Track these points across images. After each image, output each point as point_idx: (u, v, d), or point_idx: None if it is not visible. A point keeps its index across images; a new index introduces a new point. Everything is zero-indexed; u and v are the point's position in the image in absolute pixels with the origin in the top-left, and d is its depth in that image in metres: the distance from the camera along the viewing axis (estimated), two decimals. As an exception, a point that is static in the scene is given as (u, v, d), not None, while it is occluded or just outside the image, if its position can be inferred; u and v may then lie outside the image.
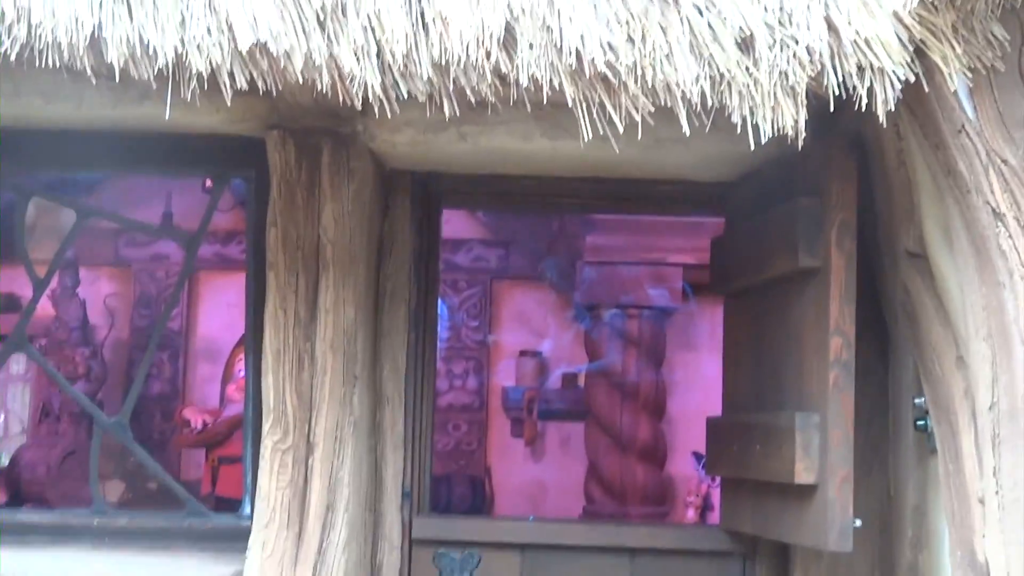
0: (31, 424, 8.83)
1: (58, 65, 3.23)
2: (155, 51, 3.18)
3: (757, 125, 3.23)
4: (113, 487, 7.72)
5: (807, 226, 3.67)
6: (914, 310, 3.72)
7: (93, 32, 3.19)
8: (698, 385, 8.31)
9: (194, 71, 3.19)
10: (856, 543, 3.61)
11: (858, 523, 3.56)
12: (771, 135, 3.24)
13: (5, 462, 8.37)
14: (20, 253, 4.48)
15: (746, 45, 3.22)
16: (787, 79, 3.21)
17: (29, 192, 4.57)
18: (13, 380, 9.35)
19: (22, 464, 7.89)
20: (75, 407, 7.77)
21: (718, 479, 4.87)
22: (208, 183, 7.13)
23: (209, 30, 3.19)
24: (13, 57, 3.21)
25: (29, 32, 3.20)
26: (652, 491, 8.00)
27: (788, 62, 3.21)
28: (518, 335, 9.21)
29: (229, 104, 3.53)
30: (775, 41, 3.21)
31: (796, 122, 3.24)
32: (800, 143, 3.27)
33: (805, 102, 3.25)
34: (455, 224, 8.85)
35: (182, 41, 3.19)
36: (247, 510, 4.22)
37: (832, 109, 3.29)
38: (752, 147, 3.24)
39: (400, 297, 4.36)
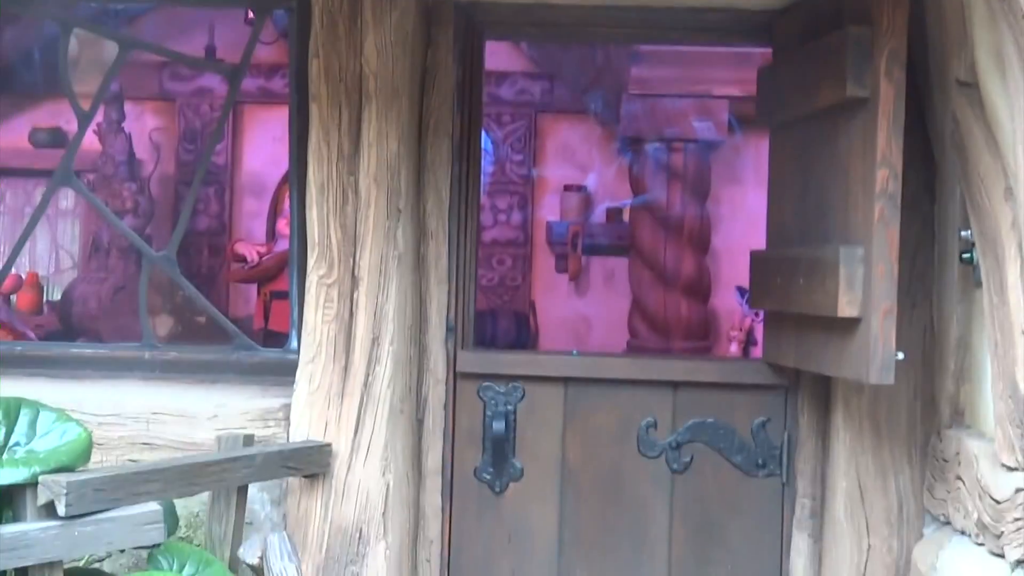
0: (81, 259, 8.93)
1: None
2: None
3: (807, -50, 3.15)
4: (163, 321, 7.84)
5: (856, 55, 3.59)
6: (963, 141, 3.66)
7: None
8: (743, 219, 8.27)
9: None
10: (898, 376, 3.61)
11: (900, 356, 3.56)
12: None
13: (57, 296, 8.49)
14: (64, 86, 4.47)
15: None
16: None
17: (71, 24, 4.54)
18: (62, 215, 9.43)
19: (74, 298, 8.00)
20: (124, 242, 7.84)
21: (761, 313, 4.87)
22: (250, 15, 7.08)
23: None
24: None
25: None
26: (696, 325, 8.01)
27: None
28: (562, 169, 9.17)
29: (268, -68, 3.50)
30: None
31: (847, -53, 3.15)
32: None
33: (857, -74, 3.17)
34: (499, 57, 8.75)
35: None
36: (294, 344, 4.27)
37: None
38: (801, -26, 3.16)
39: (443, 130, 4.33)
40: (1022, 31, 3.16)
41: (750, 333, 7.87)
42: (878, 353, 3.52)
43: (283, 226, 7.59)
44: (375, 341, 3.99)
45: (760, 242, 4.46)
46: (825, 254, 3.70)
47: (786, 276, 4.01)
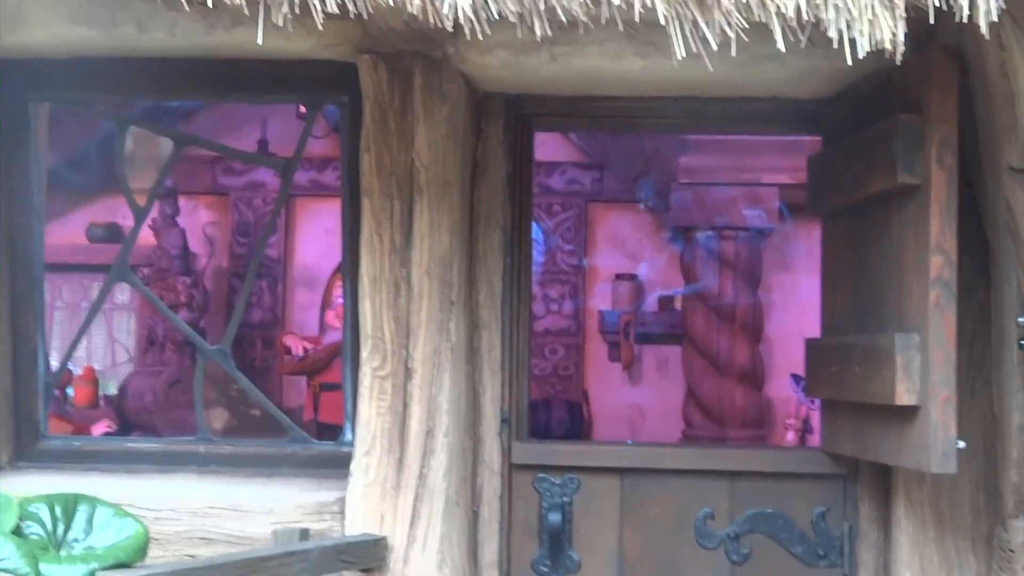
0: (137, 353, 9.01)
1: (150, -7, 3.25)
2: (247, -25, 3.17)
3: (854, 39, 3.15)
4: (218, 414, 7.87)
5: (906, 142, 3.58)
6: (1017, 226, 3.63)
7: (184, -42, 3.19)
8: (796, 306, 8.25)
9: (285, -5, 3.18)
10: (960, 465, 3.55)
11: (961, 444, 3.51)
12: (869, 50, 3.16)
13: (113, 390, 8.55)
14: (120, 182, 4.54)
15: (843, -43, 3.13)
16: (885, -9, 3.12)
17: (127, 122, 4.62)
18: (119, 309, 9.54)
19: (130, 392, 8.06)
20: (179, 336, 7.91)
21: (817, 401, 4.83)
22: (302, 109, 7.18)
23: (299, -45, 3.17)
24: (106, -14, 3.22)
25: (121, -39, 3.21)
26: (751, 414, 7.96)
27: (888, -27, 3.12)
28: (613, 258, 9.19)
29: (321, 28, 3.53)
30: (875, -48, 3.12)
31: (894, 36, 3.15)
32: (899, 57, 3.19)
33: (904, 15, 3.17)
34: (549, 147, 8.82)
35: (272, -34, 3.17)
36: (348, 436, 4.27)
37: (932, 21, 3.20)
38: (849, 62, 3.16)
39: (494, 221, 4.35)
40: (1075, 116, 3.15)
41: (807, 421, 7.81)
42: (938, 442, 3.47)
43: (332, 318, 7.65)
44: (429, 433, 3.98)
45: (814, 329, 4.43)
46: (881, 342, 3.67)
47: (841, 364, 3.98)
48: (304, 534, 3.82)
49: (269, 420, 4.60)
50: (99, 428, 7.47)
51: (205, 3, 3.28)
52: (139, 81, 4.34)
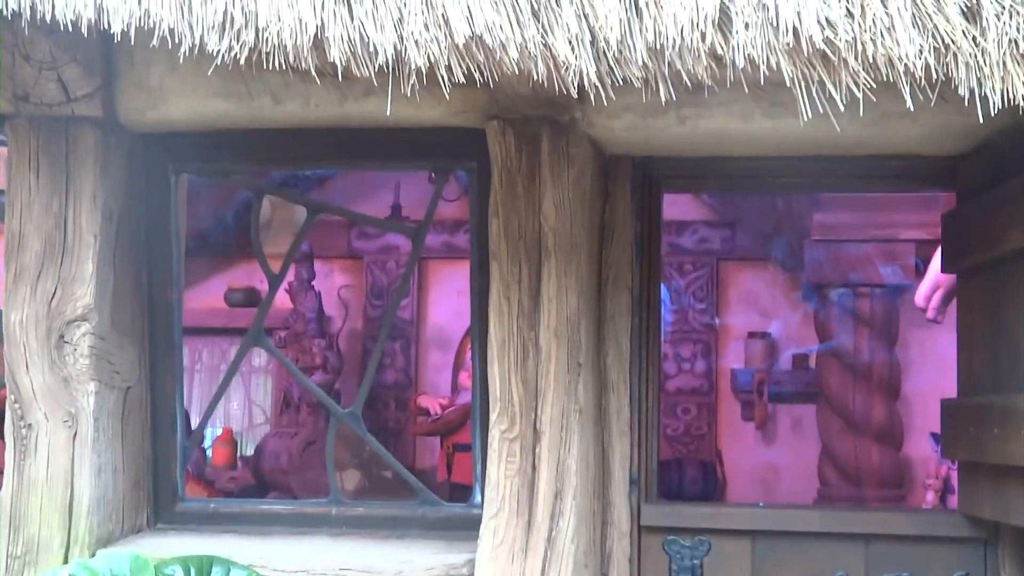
0: (273, 414, 9.16)
1: (284, 66, 3.33)
2: (375, 48, 3.24)
3: (986, 96, 3.11)
4: (350, 476, 7.96)
5: (1042, 198, 3.53)
6: None
7: (316, 33, 3.27)
8: (934, 363, 8.08)
9: (413, 66, 3.23)
10: (1104, 528, 3.46)
11: (1105, 508, 3.41)
12: (1001, 106, 3.11)
13: (250, 451, 8.70)
14: (256, 250, 4.64)
15: (972, 14, 3.10)
16: (1017, 47, 3.07)
17: (262, 190, 4.73)
18: (256, 371, 9.73)
19: (266, 453, 8.20)
20: (314, 398, 8.02)
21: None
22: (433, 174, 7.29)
23: (427, 26, 3.23)
24: (243, 60, 3.31)
25: (256, 36, 3.30)
26: (888, 474, 7.81)
27: (1019, 28, 3.08)
28: (746, 316, 9.12)
29: (448, 97, 3.61)
30: (1004, 8, 3.09)
31: (1028, 91, 3.11)
32: (1031, 111, 3.14)
33: (1036, 69, 3.12)
34: (680, 206, 8.82)
35: (400, 38, 3.24)
36: (477, 498, 4.29)
37: (1067, 75, 3.15)
38: (981, 120, 3.12)
39: (623, 283, 4.35)
40: None
41: (947, 481, 7.63)
42: (1080, 505, 3.38)
43: (465, 379, 7.70)
44: (558, 495, 3.98)
45: (952, 387, 4.34)
46: (1019, 402, 3.59)
47: (979, 425, 3.90)
48: (434, 597, 3.85)
49: (401, 482, 4.65)
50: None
51: (336, 76, 3.37)
52: (274, 151, 4.45)
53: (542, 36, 3.20)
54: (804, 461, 8.37)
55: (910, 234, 7.82)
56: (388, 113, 3.51)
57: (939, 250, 5.14)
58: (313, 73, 3.34)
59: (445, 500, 4.55)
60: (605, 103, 3.29)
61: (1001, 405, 3.75)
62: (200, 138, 4.40)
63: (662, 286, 4.73)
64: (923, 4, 3.10)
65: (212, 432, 8.59)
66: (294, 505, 4.73)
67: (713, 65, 3.20)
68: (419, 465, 8.77)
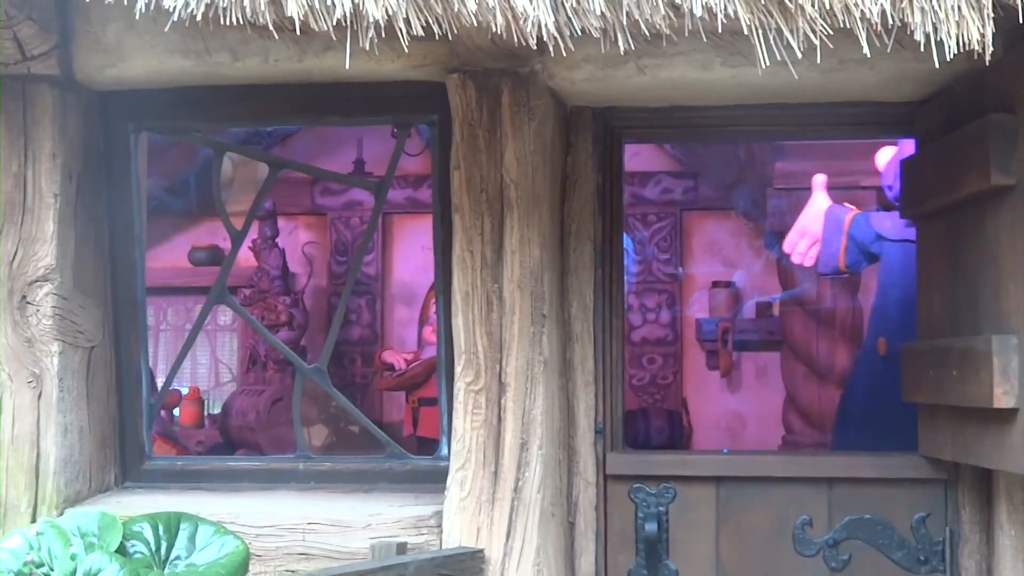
0: (240, 372, 9.16)
1: (242, 22, 3.31)
2: (333, 1, 3.22)
3: (942, 41, 3.13)
4: (318, 431, 7.98)
5: (999, 142, 3.55)
6: (1117, 225, 3.58)
7: (272, -13, 3.26)
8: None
9: (371, 19, 3.22)
10: (1062, 467, 3.51)
11: (1062, 447, 3.46)
12: (957, 51, 3.14)
13: (217, 410, 8.70)
14: (217, 207, 4.63)
15: (927, -41, 3.12)
16: (971, -9, 3.10)
17: (223, 148, 4.72)
18: (221, 330, 9.71)
19: (233, 411, 8.19)
20: (280, 355, 8.02)
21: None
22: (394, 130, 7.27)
23: (383, -21, 3.22)
24: (200, 16, 3.29)
25: (212, -9, 3.28)
26: (852, 419, 7.87)
27: (972, -27, 3.10)
28: (710, 266, 9.16)
29: (408, 51, 3.60)
30: (958, -47, 3.11)
31: (983, 36, 3.13)
32: (988, 57, 3.16)
33: (992, 14, 3.14)
34: (643, 157, 8.82)
35: (357, -9, 3.23)
36: (444, 451, 4.32)
37: (1021, 20, 3.17)
38: (938, 65, 3.15)
39: (585, 234, 4.37)
40: None
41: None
42: (1038, 444, 3.43)
43: (429, 333, 7.71)
44: (524, 446, 4.01)
45: (913, 334, 4.39)
46: (977, 344, 3.63)
47: (938, 367, 3.94)
48: (401, 548, 3.87)
49: (368, 436, 4.67)
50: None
51: (295, 31, 3.35)
52: (234, 108, 4.44)
53: (500, -13, 3.20)
54: (769, 408, 8.43)
55: (871, 181, 7.85)
56: (347, 67, 3.51)
57: (811, 199, 5.26)
58: (271, 28, 3.33)
59: (412, 454, 4.57)
60: (564, 54, 3.29)
61: (960, 348, 3.79)
62: (159, 96, 4.38)
63: (625, 237, 4.74)
64: (878, -50, 3.12)
65: (179, 391, 8.58)
66: (262, 461, 4.74)
67: (671, 14, 3.21)
68: (386, 420, 8.79)
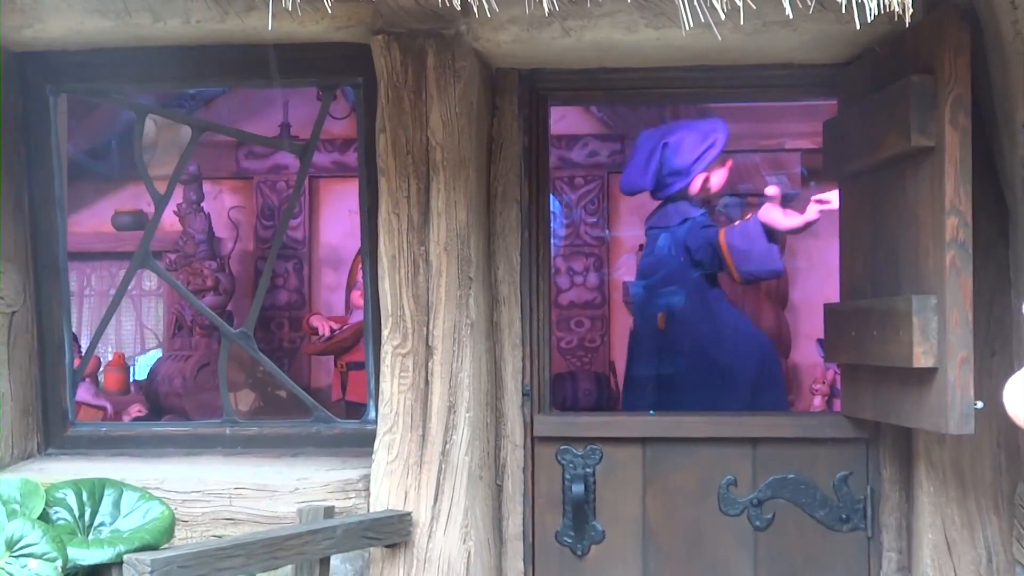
0: (166, 338, 9.06)
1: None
2: (253, -37, 3.20)
3: (863, 3, 3.15)
4: (245, 396, 7.92)
5: (919, 104, 3.59)
6: (1034, 185, 3.63)
7: (192, -53, 3.22)
8: (821, 272, 8.20)
9: (293, -21, 3.20)
10: (980, 425, 3.57)
11: (980, 405, 3.52)
12: (878, 13, 3.16)
13: (143, 375, 8.61)
14: (140, 170, 4.58)
15: (848, -80, 3.14)
16: (892, -46, 3.12)
17: (145, 110, 4.66)
18: (147, 295, 9.60)
19: (159, 377, 8.11)
20: (207, 320, 7.94)
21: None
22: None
23: (305, -62, 3.20)
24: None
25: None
26: (778, 380, 7.94)
27: (893, -64, 3.12)
28: (637, 229, 9.16)
29: (330, 11, 3.57)
30: (879, -85, 3.13)
31: (903, -2, 3.16)
32: (908, 19, 3.19)
33: (912, -23, 3.17)
34: (570, 120, 8.80)
35: (279, -49, 3.20)
36: (372, 414, 4.31)
37: (941, -18, 3.20)
38: (858, 26, 3.17)
39: (512, 197, 4.37)
40: (1084, 73, 3.14)
41: (833, 386, 7.79)
42: (956, 403, 3.48)
43: (357, 298, 7.67)
44: (451, 408, 4.02)
45: (837, 294, 4.43)
46: (898, 304, 3.68)
47: (860, 328, 3.99)
48: (329, 512, 3.86)
49: (296, 401, 4.65)
50: (131, 414, 7.54)
51: (215, -11, 3.32)
52: (156, 69, 4.39)
53: (423, -53, 3.18)
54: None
55: (797, 144, 7.91)
56: (270, 28, 3.47)
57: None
58: (192, -13, 3.29)
59: (340, 418, 4.56)
60: (489, 16, 3.29)
61: (880, 308, 3.84)
62: (79, 57, 4.32)
63: (553, 200, 4.74)
64: (800, -88, 3.13)
65: (104, 357, 8.48)
66: (188, 427, 4.72)
67: (594, -26, 3.20)
68: (315, 385, 8.74)
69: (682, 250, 5.58)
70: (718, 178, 5.67)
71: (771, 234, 5.39)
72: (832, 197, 5.52)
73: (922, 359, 3.54)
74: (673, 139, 5.66)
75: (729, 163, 5.73)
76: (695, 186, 5.60)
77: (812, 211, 5.30)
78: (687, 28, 3.22)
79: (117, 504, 3.48)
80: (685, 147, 5.61)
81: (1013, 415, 0.82)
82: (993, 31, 3.71)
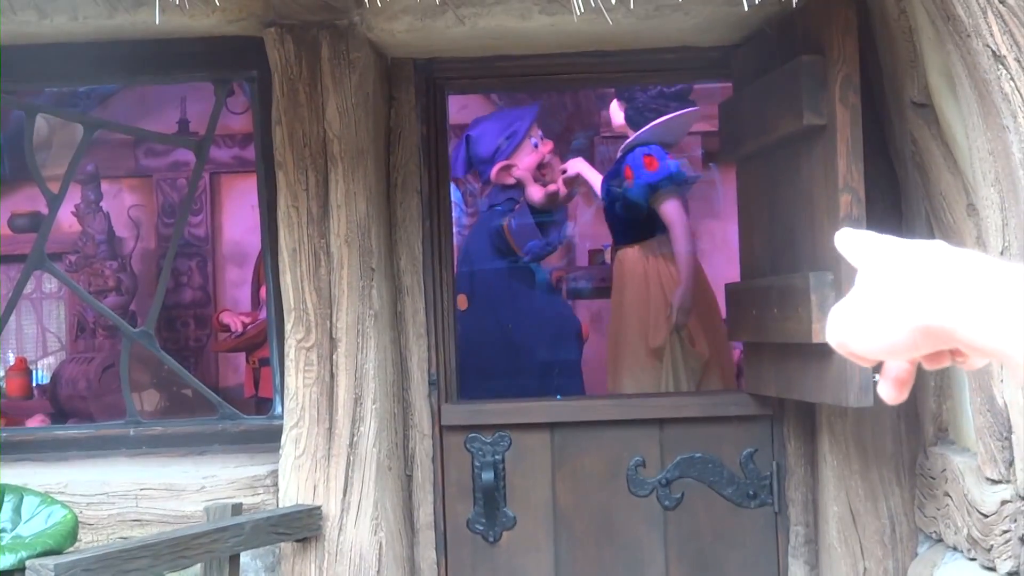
0: (68, 340, 8.93)
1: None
2: (139, -43, 3.16)
3: (751, -16, 3.19)
4: (150, 396, 7.83)
5: (810, 83, 3.64)
6: (923, 160, 3.70)
7: (76, -57, 3.17)
8: (725, 253, 8.29)
9: (180, -26, 3.16)
10: (879, 397, 3.62)
11: (877, 378, 3.56)
12: (765, -6, 3.20)
13: (45, 379, 8.49)
14: (32, 170, 4.51)
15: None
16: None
17: (35, 109, 4.58)
18: (48, 298, 9.45)
19: (63, 380, 8.00)
20: (109, 321, 7.84)
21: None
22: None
23: (191, -68, 3.16)
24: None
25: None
26: (684, 361, 8.01)
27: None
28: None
29: (219, 3, 3.53)
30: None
31: (790, -21, 3.20)
32: (795, 1, 3.23)
33: (798, -42, 3.21)
34: (471, 109, 8.81)
35: (165, -55, 3.16)
36: (278, 409, 4.29)
37: (826, -37, 3.24)
38: (746, 7, 3.20)
39: (412, 187, 4.36)
40: (968, 50, 3.20)
41: (739, 365, 7.88)
42: (855, 377, 3.53)
43: (265, 293, 7.62)
44: (357, 400, 4.00)
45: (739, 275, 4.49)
46: (795, 282, 3.73)
47: (760, 307, 4.04)
48: (236, 509, 3.84)
49: (202, 399, 4.61)
50: (34, 422, 7.42)
51: (100, -15, 3.27)
52: (44, 67, 4.32)
53: (311, -62, 3.16)
54: (603, 354, 8.53)
55: (697, 127, 7.97)
56: (158, 23, 3.43)
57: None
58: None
59: (254, 415, 4.53)
60: (381, 5, 3.29)
61: (779, 286, 3.89)
62: (-37, 57, 4.23)
63: (455, 189, 4.74)
64: None
65: (5, 362, 8.34)
66: (90, 429, 4.64)
67: (485, -37, 3.20)
68: (224, 383, 8.68)
69: (485, 235, 5.94)
70: (527, 164, 5.96)
71: (542, 212, 5.91)
72: (570, 166, 6.11)
73: (821, 335, 3.58)
74: (475, 131, 5.96)
75: (546, 147, 6.04)
76: (493, 174, 5.91)
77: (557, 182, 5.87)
78: (579, 14, 3.23)
79: (18, 510, 3.42)
80: (486, 138, 5.92)
81: (834, 344, 0.85)
82: (879, 10, 3.77)
